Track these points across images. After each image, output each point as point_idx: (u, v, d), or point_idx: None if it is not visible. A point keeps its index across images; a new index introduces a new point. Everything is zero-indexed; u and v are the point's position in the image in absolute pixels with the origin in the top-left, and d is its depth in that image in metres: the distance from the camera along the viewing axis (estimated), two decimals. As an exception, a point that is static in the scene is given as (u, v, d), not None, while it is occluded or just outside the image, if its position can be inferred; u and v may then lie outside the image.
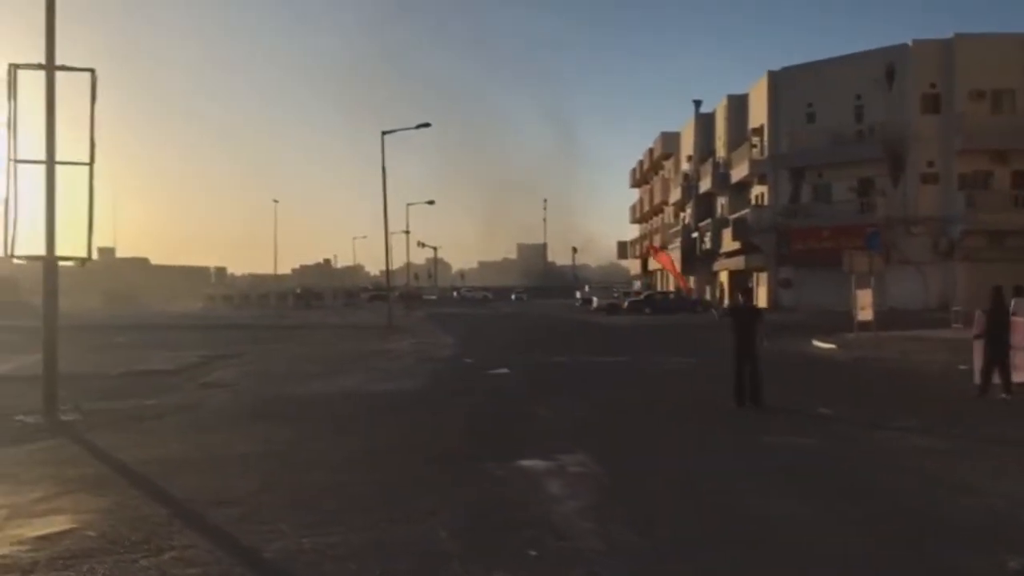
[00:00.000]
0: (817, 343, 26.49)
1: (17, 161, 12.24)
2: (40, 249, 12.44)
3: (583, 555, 5.98)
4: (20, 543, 6.27)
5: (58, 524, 6.79)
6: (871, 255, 29.26)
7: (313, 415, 12.93)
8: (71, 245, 12.64)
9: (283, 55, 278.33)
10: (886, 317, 30.44)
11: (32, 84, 12.28)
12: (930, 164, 45.95)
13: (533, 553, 6.02)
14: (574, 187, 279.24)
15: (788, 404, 13.24)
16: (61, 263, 12.76)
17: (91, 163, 12.48)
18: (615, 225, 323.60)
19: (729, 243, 53.58)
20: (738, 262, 53.02)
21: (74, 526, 6.74)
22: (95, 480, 8.39)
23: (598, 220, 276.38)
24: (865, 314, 28.01)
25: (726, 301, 57.26)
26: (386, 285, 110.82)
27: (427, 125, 38.87)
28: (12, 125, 12.17)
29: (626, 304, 55.24)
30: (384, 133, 38.12)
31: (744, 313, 13.46)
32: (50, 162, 12.25)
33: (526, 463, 9.14)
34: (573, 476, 8.56)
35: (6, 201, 12.10)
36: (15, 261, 13.38)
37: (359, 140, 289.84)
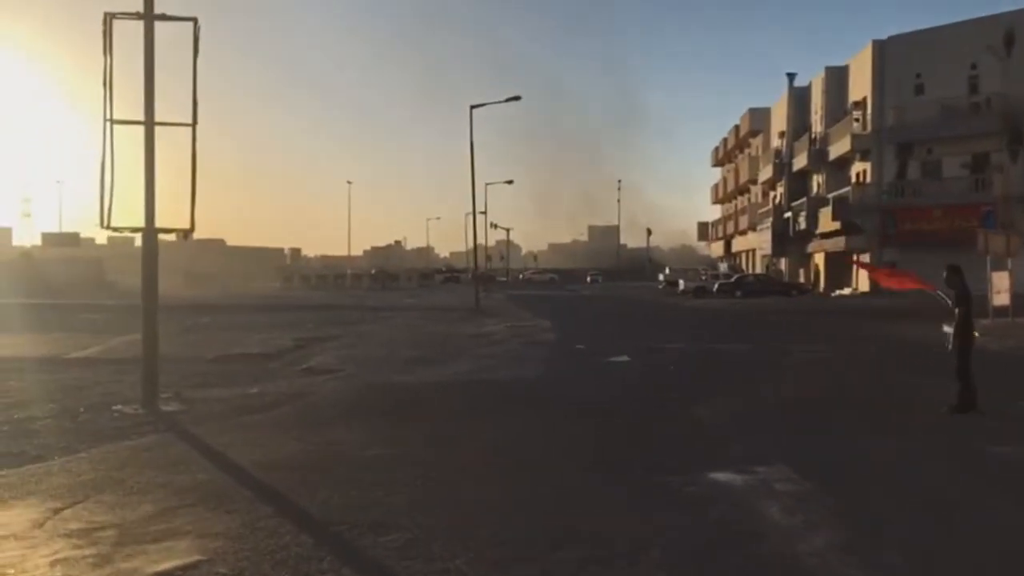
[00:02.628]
0: (949, 329, 24.17)
1: (114, 122, 10.99)
2: (138, 220, 11.21)
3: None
4: (138, 584, 4.90)
5: (180, 554, 5.41)
6: (1009, 235, 26.85)
7: (434, 408, 11.48)
8: (170, 215, 11.40)
9: (356, 34, 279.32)
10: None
11: (129, 35, 10.99)
12: (1054, 137, 42.61)
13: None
14: (646, 168, 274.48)
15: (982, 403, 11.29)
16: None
17: (194, 124, 11.19)
18: (686, 206, 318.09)
19: (827, 223, 50.70)
20: (837, 243, 50.24)
21: (200, 557, 5.35)
22: (213, 490, 7.02)
23: (669, 201, 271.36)
24: (1001, 298, 25.66)
25: (821, 285, 54.62)
26: (459, 267, 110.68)
27: (517, 98, 37.20)
28: (108, 81, 10.91)
29: (716, 287, 52.95)
30: (473, 107, 36.57)
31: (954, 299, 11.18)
32: (149, 123, 10.98)
33: (719, 477, 7.51)
34: (787, 495, 6.89)
35: (101, 165, 10.84)
36: (109, 233, 12.17)
37: (432, 119, 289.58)
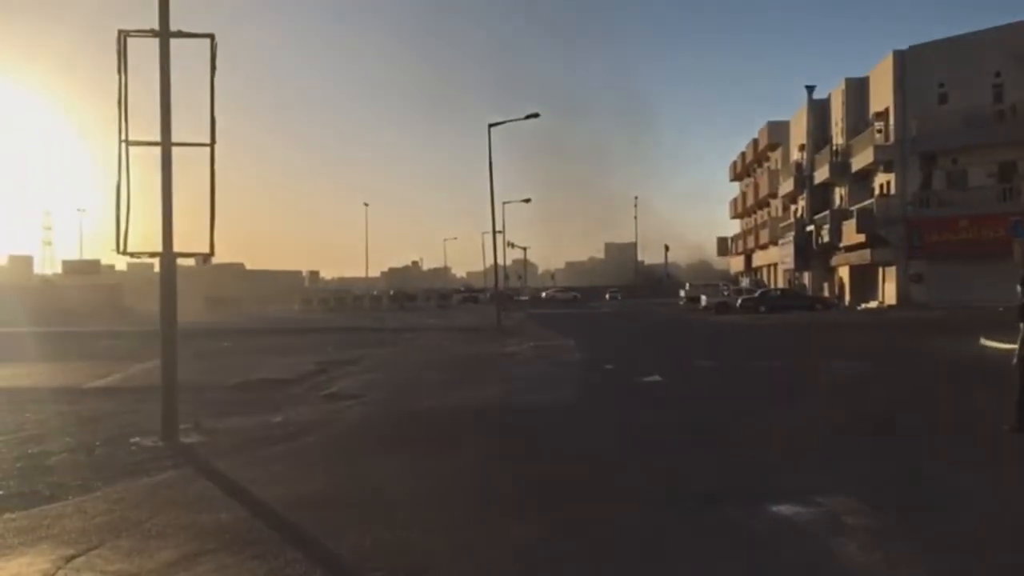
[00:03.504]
0: (990, 343, 23.44)
1: (129, 143, 10.57)
2: (154, 245, 10.78)
3: None
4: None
5: (203, 610, 4.89)
6: (1041, 244, 26.11)
7: (468, 436, 10.92)
8: (189, 239, 10.96)
9: (369, 56, 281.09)
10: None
11: (144, 53, 10.60)
12: (1082, 145, 41.79)
13: None
14: (662, 184, 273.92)
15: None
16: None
17: (212, 144, 10.75)
18: (703, 221, 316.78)
19: (851, 236, 49.94)
20: (862, 256, 49.47)
21: (224, 614, 4.82)
22: (237, 533, 6.50)
23: (686, 217, 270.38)
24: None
25: (846, 298, 53.76)
26: (477, 287, 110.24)
27: (536, 115, 36.73)
28: (123, 101, 10.51)
29: (739, 303, 52.19)
30: (491, 125, 36.27)
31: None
32: (166, 144, 10.56)
33: (782, 510, 6.91)
34: (860, 530, 6.30)
35: (117, 188, 10.42)
36: (127, 260, 11.72)
37: (446, 139, 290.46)
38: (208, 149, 10.73)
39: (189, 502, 7.50)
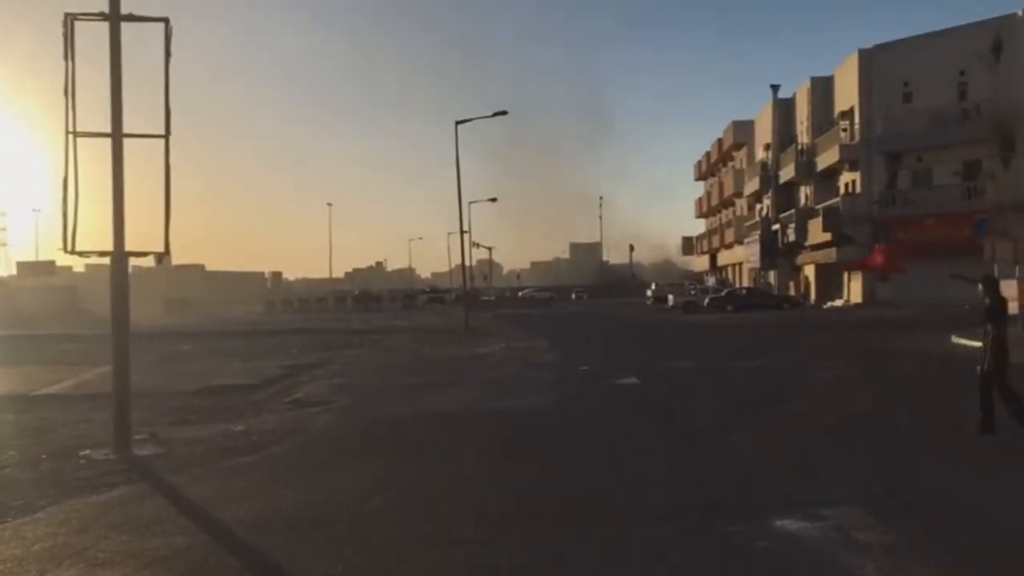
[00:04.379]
0: (962, 340, 23.32)
1: (77, 134, 9.84)
2: (105, 244, 10.06)
3: None
4: None
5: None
6: (1016, 242, 26.09)
7: (442, 444, 10.34)
8: (143, 238, 10.24)
9: (334, 54, 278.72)
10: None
11: (93, 38, 9.88)
12: (1046, 143, 42.11)
13: None
14: (627, 184, 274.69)
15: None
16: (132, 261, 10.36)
17: (167, 135, 10.06)
18: (667, 221, 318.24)
19: (817, 235, 50.01)
20: (828, 255, 49.53)
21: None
22: (193, 561, 5.87)
23: (650, 217, 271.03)
24: (1010, 308, 24.80)
25: (812, 297, 53.84)
26: (442, 287, 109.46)
27: (504, 113, 36.11)
28: (69, 90, 9.77)
29: (706, 302, 52.07)
30: (458, 123, 35.57)
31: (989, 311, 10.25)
32: (117, 134, 9.85)
33: (787, 525, 6.43)
34: (874, 547, 5.83)
35: (64, 183, 9.68)
36: (80, 261, 10.94)
37: (412, 139, 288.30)
38: (163, 141, 10.03)
39: (141, 524, 6.83)
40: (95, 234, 10.65)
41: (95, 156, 10.18)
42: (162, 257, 10.11)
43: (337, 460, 9.38)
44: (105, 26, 9.91)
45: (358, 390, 15.90)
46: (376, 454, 9.73)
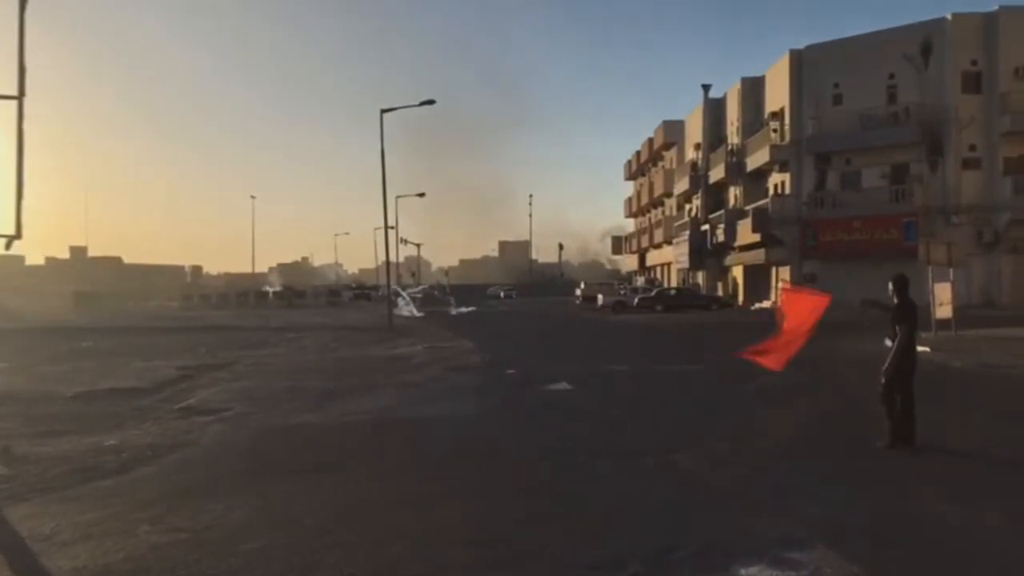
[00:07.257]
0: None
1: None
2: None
3: None
4: None
5: None
6: (950, 245, 25.79)
7: (351, 463, 8.94)
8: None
9: (256, 45, 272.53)
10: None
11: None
12: (972, 148, 42.38)
13: None
14: (557, 183, 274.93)
15: (948, 441, 9.49)
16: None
17: (20, 96, 8.47)
18: (597, 221, 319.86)
19: (746, 236, 49.77)
20: (756, 256, 49.35)
21: None
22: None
23: (580, 216, 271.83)
24: (944, 311, 24.46)
25: (740, 298, 53.68)
26: (369, 284, 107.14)
27: (431, 102, 34.56)
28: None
29: (636, 302, 51.46)
30: (384, 111, 33.93)
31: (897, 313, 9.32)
32: (-42, 94, 8.23)
33: (752, 573, 5.27)
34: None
35: None
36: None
37: (337, 134, 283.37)
38: (16, 103, 8.44)
39: (-55, 579, 5.34)
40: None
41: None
42: (11, 240, 8.49)
43: (218, 484, 7.92)
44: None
45: (261, 395, 14.35)
46: (268, 476, 8.31)
